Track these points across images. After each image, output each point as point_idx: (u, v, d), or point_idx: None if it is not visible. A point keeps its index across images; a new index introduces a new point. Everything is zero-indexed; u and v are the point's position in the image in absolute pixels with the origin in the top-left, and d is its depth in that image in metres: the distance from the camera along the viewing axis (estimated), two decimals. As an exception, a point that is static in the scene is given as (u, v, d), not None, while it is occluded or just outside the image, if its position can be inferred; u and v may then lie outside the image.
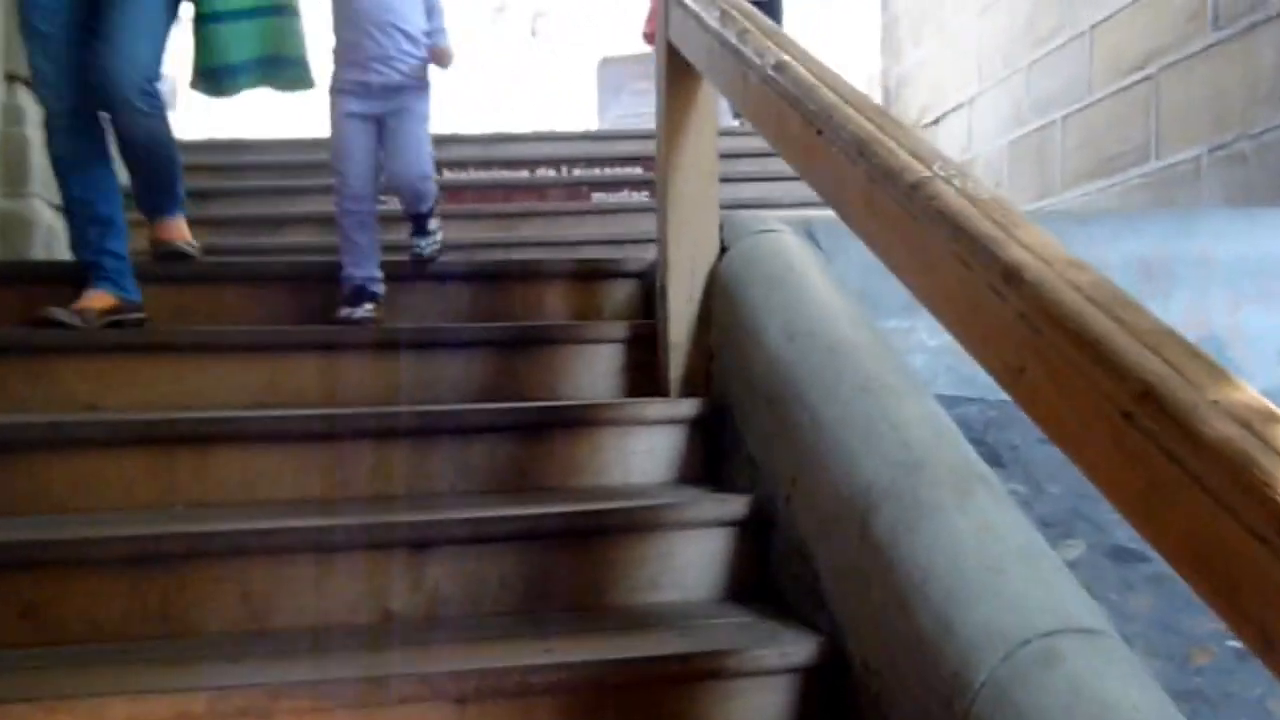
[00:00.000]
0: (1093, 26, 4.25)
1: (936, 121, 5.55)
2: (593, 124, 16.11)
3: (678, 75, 2.55)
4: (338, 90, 3.04)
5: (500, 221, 5.20)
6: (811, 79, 1.75)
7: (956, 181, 1.31)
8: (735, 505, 2.02)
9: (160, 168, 2.91)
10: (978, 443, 2.04)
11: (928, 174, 1.34)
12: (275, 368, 2.52)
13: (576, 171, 5.70)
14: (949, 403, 2.09)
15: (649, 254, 3.44)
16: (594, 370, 2.68)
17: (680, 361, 2.53)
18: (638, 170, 5.70)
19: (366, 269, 2.90)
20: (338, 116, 3.03)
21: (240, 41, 3.15)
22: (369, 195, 3.08)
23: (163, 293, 2.87)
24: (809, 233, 2.55)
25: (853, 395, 1.86)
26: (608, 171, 5.70)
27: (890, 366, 1.96)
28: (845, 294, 2.29)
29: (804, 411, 1.91)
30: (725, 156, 2.93)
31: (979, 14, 5.07)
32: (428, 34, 3.08)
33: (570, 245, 4.90)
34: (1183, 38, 3.75)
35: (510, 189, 5.54)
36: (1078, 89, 4.34)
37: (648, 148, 6.24)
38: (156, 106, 2.79)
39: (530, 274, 3.03)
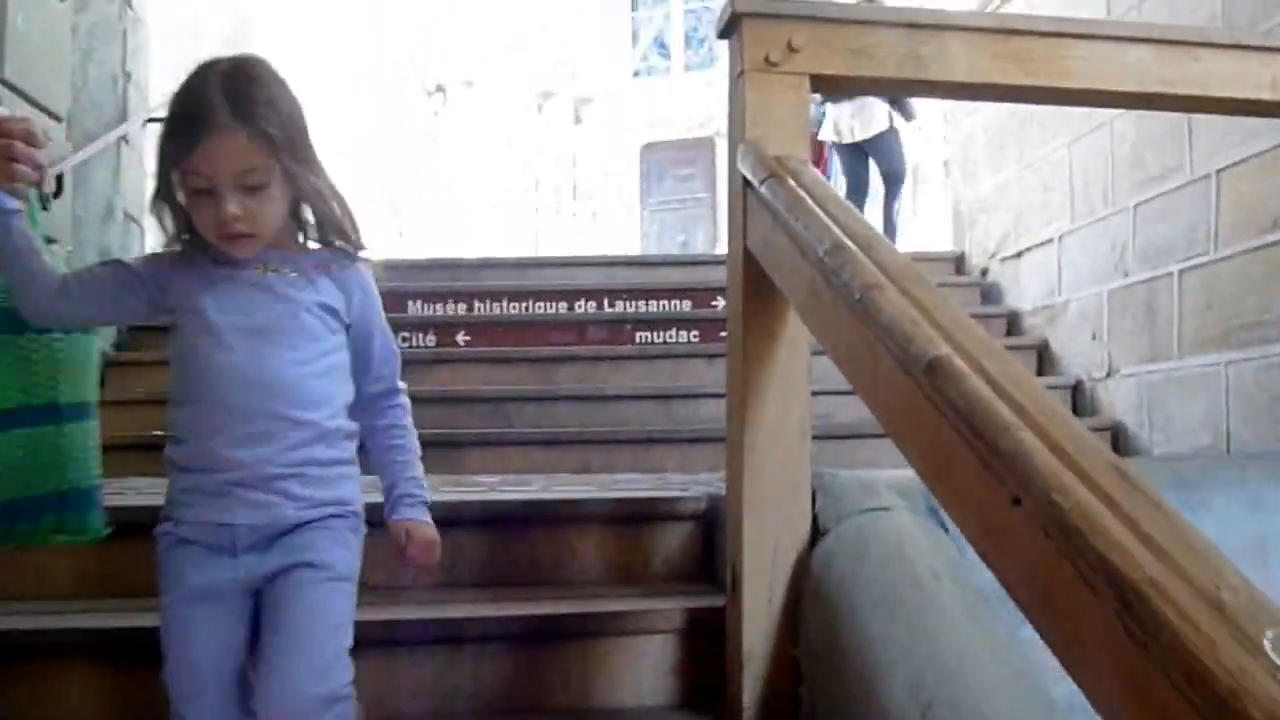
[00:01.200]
0: (1218, 171, 3.60)
1: (1018, 255, 4.90)
2: (634, 206, 15.66)
3: (760, 287, 1.93)
4: (170, 537, 1.51)
5: (534, 367, 4.59)
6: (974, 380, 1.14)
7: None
8: None
9: None
10: None
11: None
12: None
13: (619, 304, 5.10)
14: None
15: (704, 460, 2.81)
16: (638, 668, 2.03)
17: (756, 679, 1.87)
18: (686, 305, 5.10)
19: None
20: (167, 587, 1.49)
21: None
22: None
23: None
24: (932, 509, 1.90)
25: None
26: (653, 306, 5.10)
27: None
28: (990, 618, 1.64)
29: None
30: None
31: (1070, 142, 4.44)
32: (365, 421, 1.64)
33: (611, 400, 4.30)
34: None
35: (546, 326, 4.93)
36: (1199, 241, 3.67)
37: (696, 277, 5.68)
38: None
39: (560, 518, 2.39)
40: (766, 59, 1.96)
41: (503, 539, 2.32)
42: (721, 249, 14.61)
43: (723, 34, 2.04)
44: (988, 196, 5.14)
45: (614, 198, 15.40)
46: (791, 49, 1.96)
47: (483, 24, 14.65)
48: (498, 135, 14.74)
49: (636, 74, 15.65)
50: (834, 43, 1.99)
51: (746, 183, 1.95)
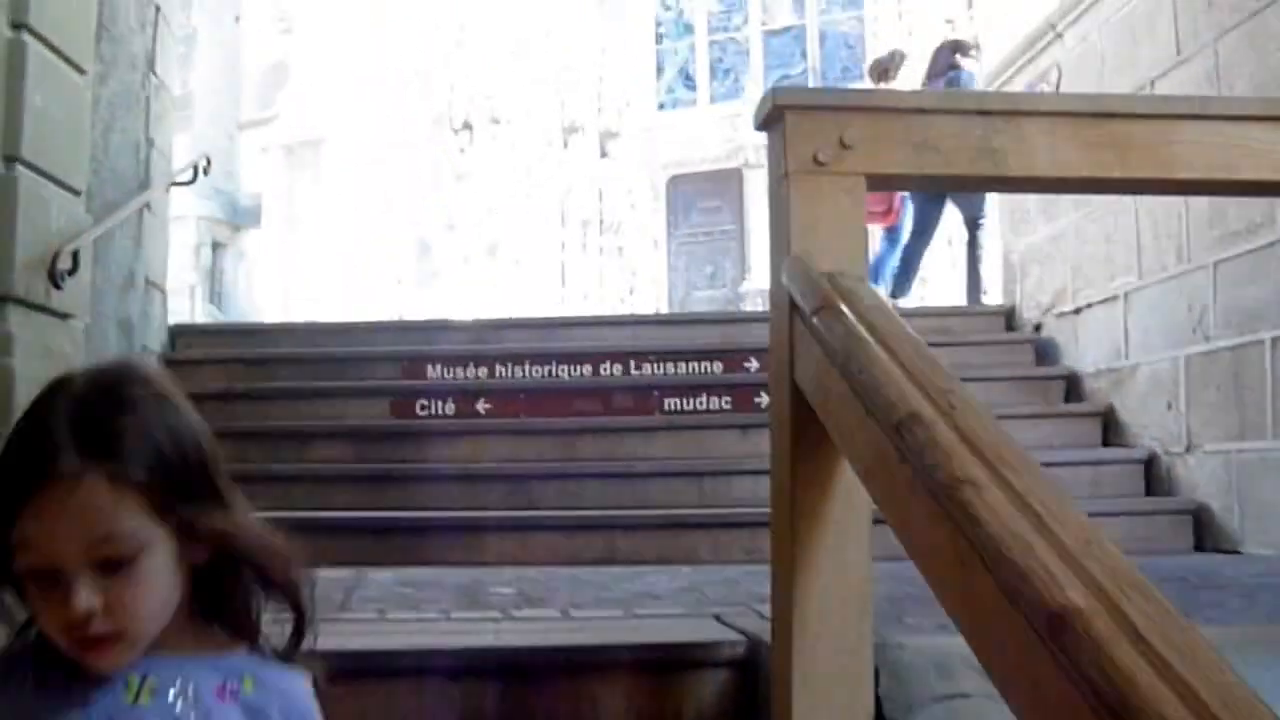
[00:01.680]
0: (1311, 229, 3.26)
1: (1077, 311, 4.56)
2: (661, 240, 15.37)
3: (810, 430, 1.62)
4: None
5: (558, 440, 4.31)
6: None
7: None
8: None
9: None
10: None
11: None
12: None
13: (646, 367, 4.80)
14: None
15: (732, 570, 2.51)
16: None
17: None
18: (717, 368, 4.79)
19: None
20: None
21: None
22: None
23: None
24: (1020, 696, 1.57)
25: None
26: (682, 368, 4.80)
27: None
28: None
29: None
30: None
31: (1131, 191, 4.10)
32: None
33: (640, 478, 4.01)
34: None
35: (570, 394, 4.65)
36: (1292, 305, 3.33)
37: (728, 337, 5.37)
38: None
39: (582, 665, 2.08)
40: (815, 158, 1.66)
41: (518, 690, 2.02)
42: (750, 283, 14.27)
43: (763, 126, 1.75)
44: (1041, 246, 4.81)
45: (641, 231, 15.14)
46: (844, 145, 1.67)
47: (508, 60, 14.46)
48: (524, 171, 14.52)
49: (662, 106, 15.42)
50: (893, 136, 1.69)
51: (794, 305, 1.65)
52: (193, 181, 5.13)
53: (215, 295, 18.46)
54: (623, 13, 15.11)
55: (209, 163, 5.29)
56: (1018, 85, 4.89)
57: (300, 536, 1.05)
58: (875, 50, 13.80)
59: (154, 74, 4.69)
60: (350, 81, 14.56)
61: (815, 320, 1.55)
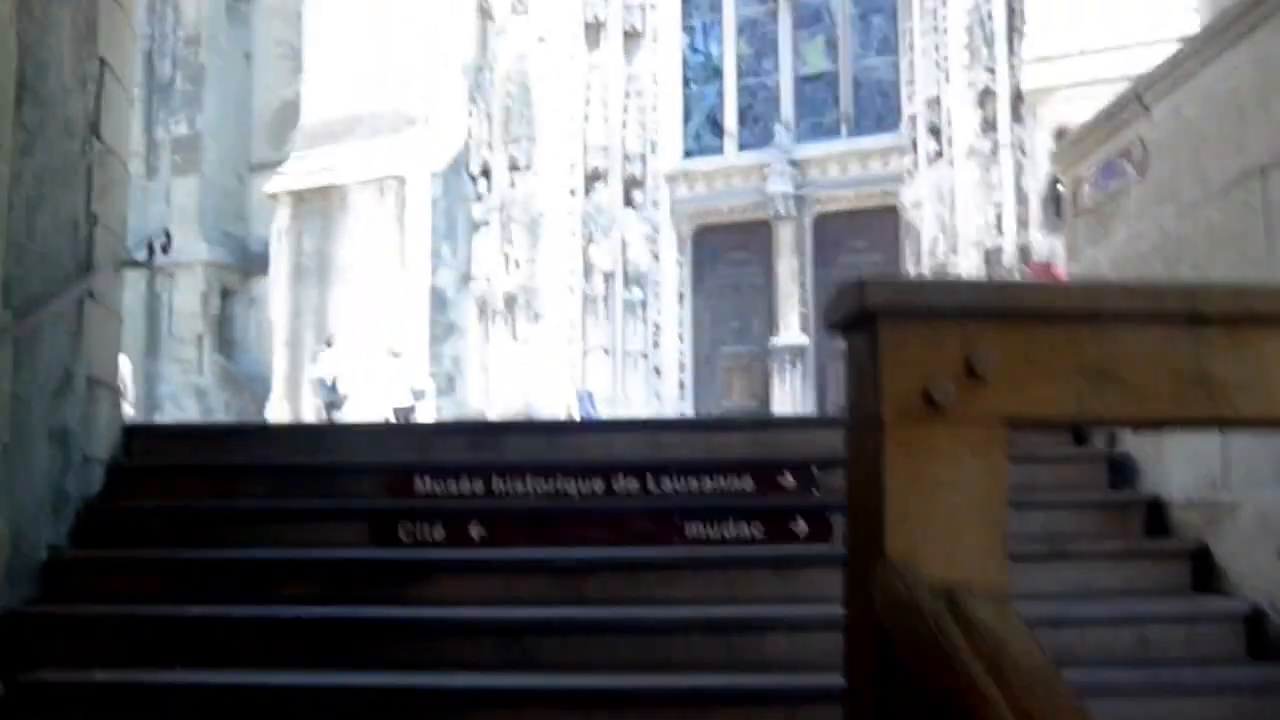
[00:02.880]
0: None
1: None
2: (687, 292, 14.75)
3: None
4: None
5: (560, 579, 3.67)
6: None
7: None
8: None
9: None
10: None
11: None
12: None
13: (665, 483, 4.17)
14: None
15: None
16: None
17: None
18: (746, 483, 4.16)
19: None
20: None
21: None
22: None
23: None
24: None
25: None
26: (706, 484, 4.16)
27: None
28: None
29: None
30: None
31: (1198, 206, 3.46)
32: None
33: (659, 634, 3.38)
34: None
35: (577, 518, 4.02)
36: None
37: (759, 444, 4.74)
38: None
39: None
40: (926, 396, 1.04)
41: None
42: (779, 338, 13.63)
43: (841, 329, 1.13)
44: (1090, 276, 4.17)
45: (665, 282, 14.55)
46: (974, 374, 1.05)
47: (531, 105, 13.96)
48: (544, 219, 13.98)
49: (689, 153, 14.88)
50: (1055, 356, 1.07)
51: (883, 637, 1.02)
52: (149, 262, 4.56)
53: (225, 344, 18.03)
54: (649, 56, 14.60)
55: (169, 239, 4.71)
56: (1090, 165, 4.27)
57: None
58: (909, 98, 13.23)
59: (98, 139, 4.13)
60: (366, 121, 14.10)
61: (923, 676, 0.92)
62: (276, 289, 14.27)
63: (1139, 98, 3.88)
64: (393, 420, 12.22)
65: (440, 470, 4.27)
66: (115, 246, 4.40)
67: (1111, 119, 4.13)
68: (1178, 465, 3.78)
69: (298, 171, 14.41)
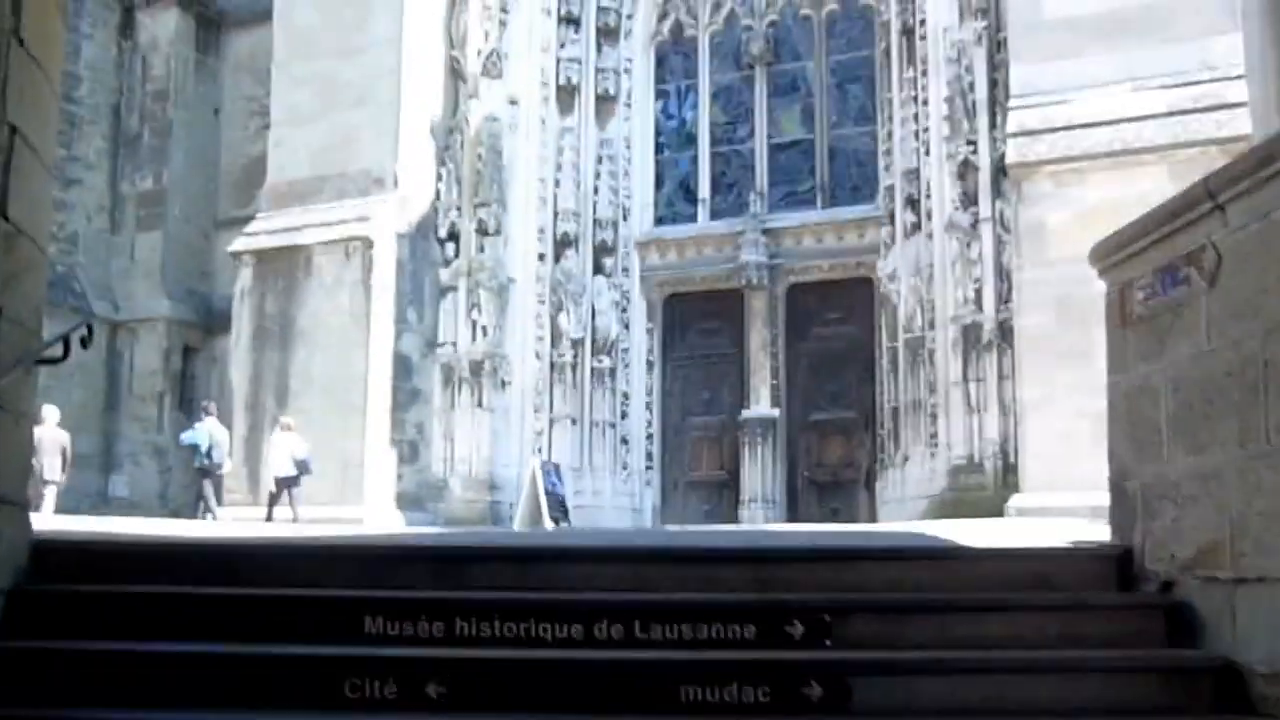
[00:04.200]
0: None
1: (1239, 582, 3.28)
2: (656, 361, 14.07)
3: None
4: None
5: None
6: None
7: None
8: None
9: None
10: None
11: None
12: None
13: (655, 630, 3.49)
14: None
15: None
16: None
17: None
18: (749, 631, 3.49)
19: None
20: None
21: None
22: None
23: None
24: None
25: None
26: (702, 632, 3.49)
27: None
28: None
29: None
30: None
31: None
32: None
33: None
34: None
35: (553, 674, 3.33)
36: None
37: (762, 581, 4.02)
38: None
39: None
40: None
41: None
42: (750, 411, 12.98)
43: None
44: (1182, 482, 3.55)
45: (635, 351, 13.93)
46: None
47: (502, 169, 13.37)
48: (512, 285, 13.33)
49: (660, 220, 14.35)
50: None
51: None
52: (64, 358, 3.86)
53: (185, 403, 17.16)
54: (622, 121, 14.09)
55: (90, 331, 4.02)
56: (1143, 268, 3.69)
57: None
58: (886, 168, 12.78)
59: (4, 218, 3.45)
60: (333, 182, 13.44)
61: None
62: (238, 350, 13.50)
63: (1211, 195, 3.31)
64: (274, 490, 11.85)
65: (395, 607, 3.58)
66: (25, 341, 3.70)
67: (1173, 217, 3.55)
68: (1261, 630, 3.15)
69: (262, 231, 13.71)
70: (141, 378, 16.61)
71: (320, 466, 12.22)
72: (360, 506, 12.27)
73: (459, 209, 13.39)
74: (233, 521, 11.37)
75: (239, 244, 13.81)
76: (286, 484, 11.79)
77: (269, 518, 11.75)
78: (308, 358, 12.99)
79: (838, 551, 4.17)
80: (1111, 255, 3.95)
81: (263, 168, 14.55)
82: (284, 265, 13.27)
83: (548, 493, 12.07)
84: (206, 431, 12.14)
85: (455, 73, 13.63)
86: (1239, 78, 10.13)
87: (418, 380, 13.22)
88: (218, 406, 12.74)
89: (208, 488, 12.12)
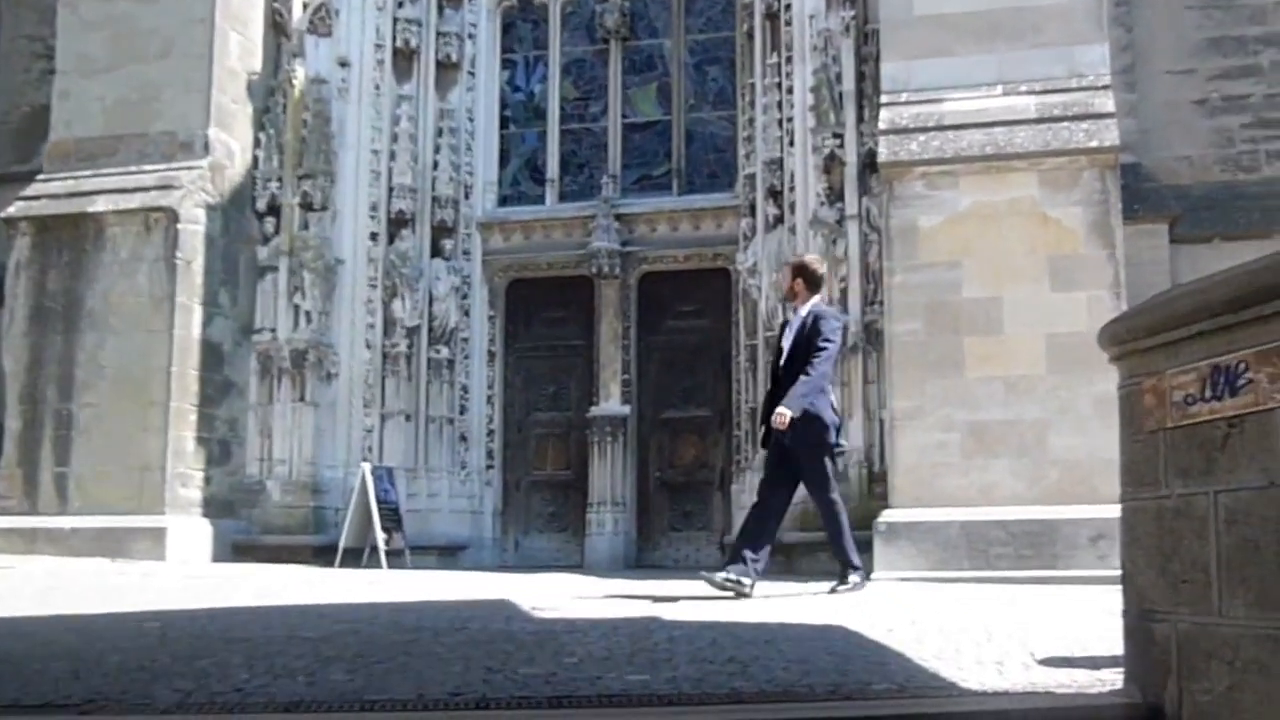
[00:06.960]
0: None
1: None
2: (499, 351, 12.80)
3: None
4: None
5: None
6: None
7: None
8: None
9: None
10: None
11: None
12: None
13: None
14: None
15: None
16: None
17: None
18: None
19: None
20: None
21: None
22: None
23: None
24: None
25: None
26: None
27: None
28: None
29: None
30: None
31: None
32: None
33: None
34: None
35: None
36: None
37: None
38: None
39: None
40: None
41: None
42: (599, 408, 11.99)
43: None
44: (1242, 642, 2.76)
45: (475, 341, 12.72)
46: None
47: (330, 137, 11.85)
48: (341, 267, 11.90)
49: (505, 200, 13.12)
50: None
51: None
52: None
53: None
54: (465, 90, 12.75)
55: None
56: (1186, 360, 2.88)
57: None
58: (747, 156, 11.93)
59: None
60: (132, 143, 11.62)
61: None
62: (11, 333, 11.54)
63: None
64: None
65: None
66: None
67: (1235, 306, 2.73)
68: None
69: (44, 195, 11.72)
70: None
71: (113, 469, 10.58)
72: (161, 516, 10.69)
73: (280, 180, 11.80)
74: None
75: (14, 209, 11.76)
76: None
77: None
78: (98, 344, 11.19)
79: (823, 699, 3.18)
80: (1135, 340, 3.10)
81: (47, 120, 12.49)
82: (70, 236, 11.39)
83: (380, 501, 10.81)
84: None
85: (278, 26, 11.98)
86: (1105, 88, 9.81)
87: (230, 371, 11.64)
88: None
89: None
